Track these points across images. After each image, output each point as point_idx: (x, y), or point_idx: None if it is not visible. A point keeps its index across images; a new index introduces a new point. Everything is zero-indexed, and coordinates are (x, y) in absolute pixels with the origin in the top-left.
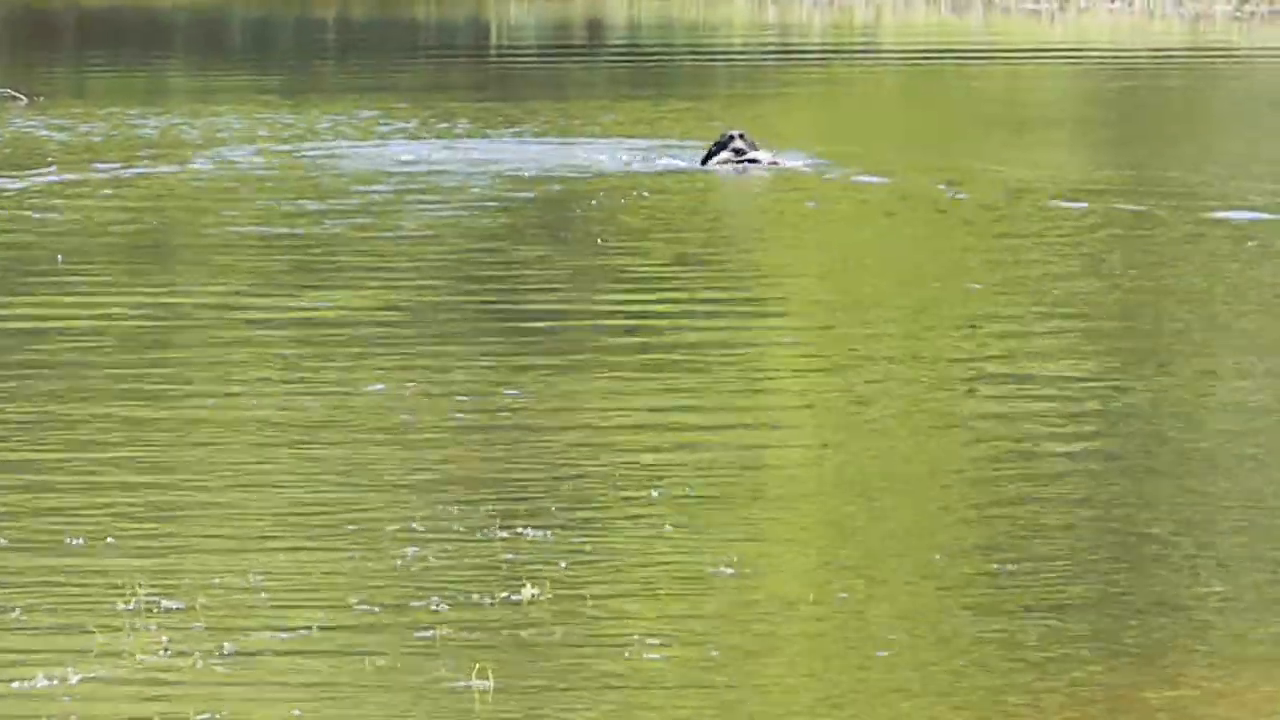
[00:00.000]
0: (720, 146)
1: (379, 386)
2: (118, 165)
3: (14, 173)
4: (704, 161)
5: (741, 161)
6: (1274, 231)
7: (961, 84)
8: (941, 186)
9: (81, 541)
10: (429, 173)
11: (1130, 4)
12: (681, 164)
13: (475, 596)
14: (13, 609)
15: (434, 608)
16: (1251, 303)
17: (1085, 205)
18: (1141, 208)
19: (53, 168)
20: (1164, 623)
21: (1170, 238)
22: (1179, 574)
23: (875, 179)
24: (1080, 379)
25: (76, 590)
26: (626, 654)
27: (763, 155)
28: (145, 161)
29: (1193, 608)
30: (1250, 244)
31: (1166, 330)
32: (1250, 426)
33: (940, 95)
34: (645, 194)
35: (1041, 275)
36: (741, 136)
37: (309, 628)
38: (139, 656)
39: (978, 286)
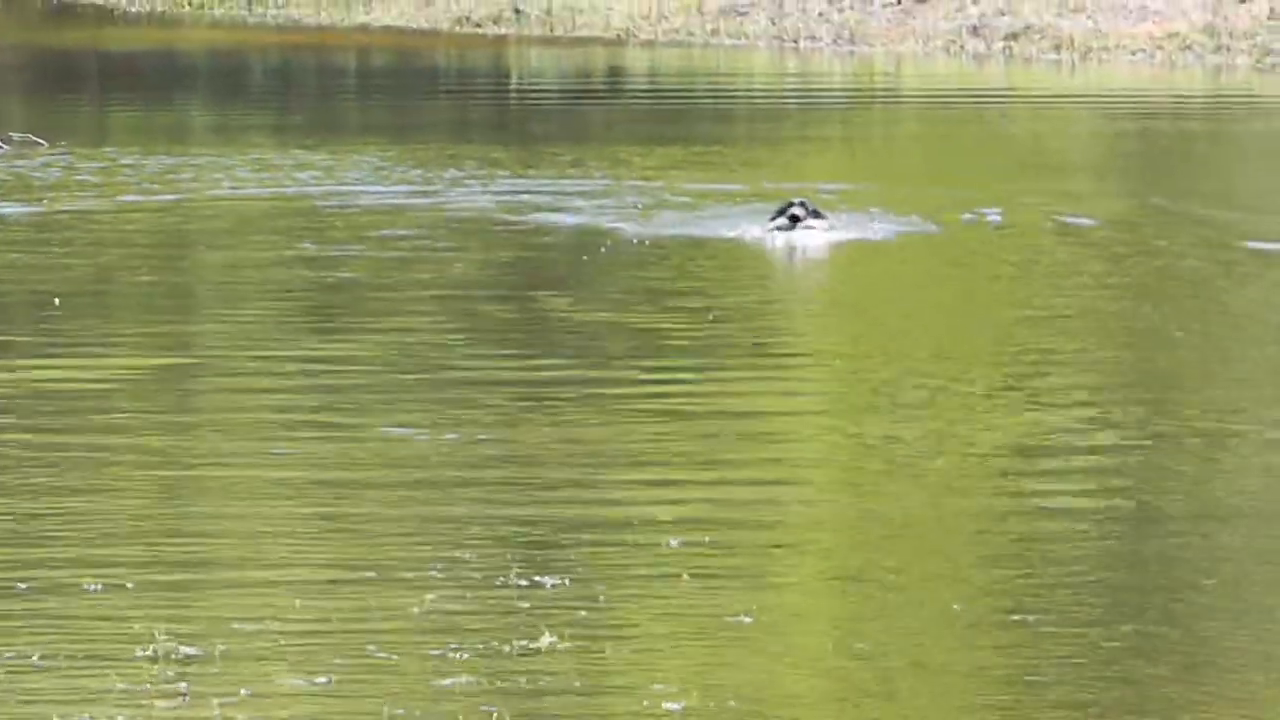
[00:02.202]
0: (779, 212)
1: (396, 433)
2: (127, 203)
3: (18, 209)
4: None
5: (794, 228)
6: None
7: (995, 129)
8: (952, 225)
9: (99, 588)
10: (445, 216)
11: (1151, 55)
12: (728, 225)
13: (493, 644)
14: (32, 654)
15: (452, 655)
16: None
17: (1131, 238)
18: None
19: (55, 205)
20: (1186, 675)
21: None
22: (1205, 627)
23: (905, 227)
24: (1111, 427)
25: (95, 636)
26: (645, 703)
27: (819, 223)
28: (155, 202)
29: (1216, 662)
30: None
31: (1210, 376)
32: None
33: (978, 139)
34: (685, 253)
35: (1084, 309)
36: (802, 204)
37: (327, 675)
38: (158, 703)
39: (1008, 324)
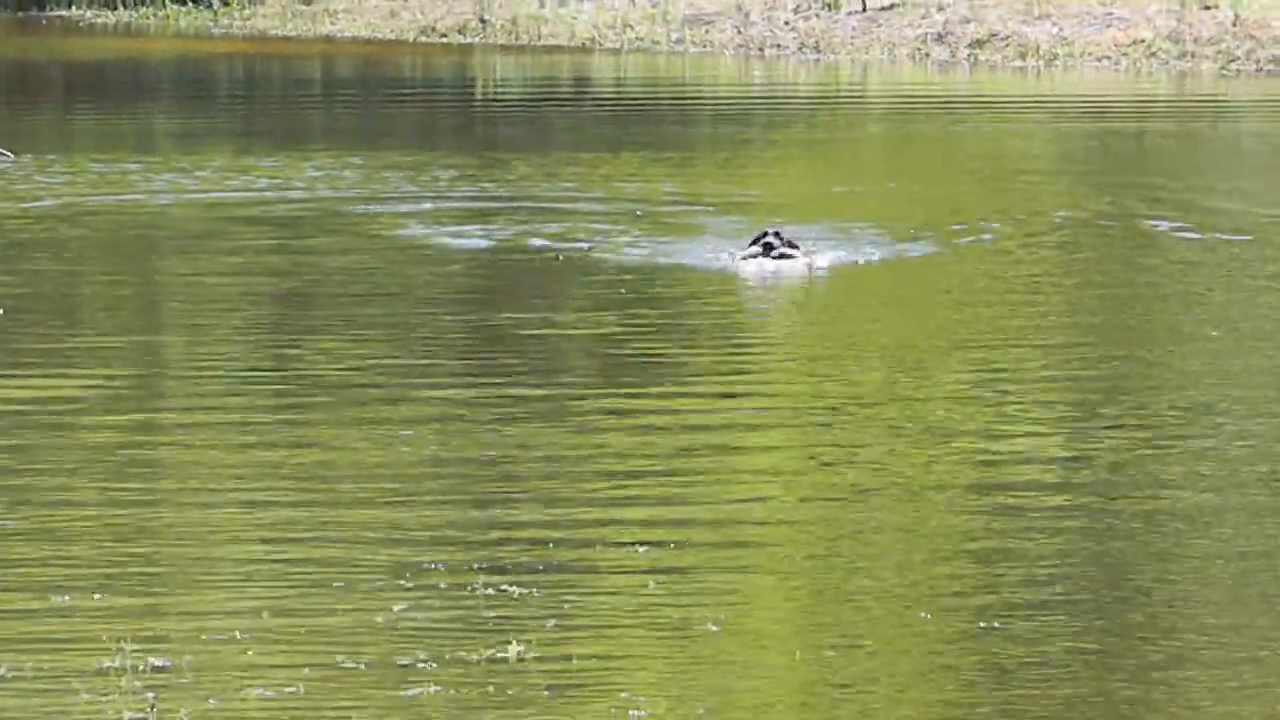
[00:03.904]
0: (753, 242)
1: (362, 444)
2: (83, 210)
3: None
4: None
5: (768, 257)
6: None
7: (962, 137)
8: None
9: (67, 599)
10: (405, 224)
11: (1116, 62)
12: (697, 254)
13: (461, 653)
14: None
15: (420, 665)
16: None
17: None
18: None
19: (9, 213)
20: (1153, 680)
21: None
22: (1169, 631)
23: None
24: (1072, 429)
25: (62, 649)
26: (612, 711)
27: (793, 252)
28: (112, 207)
29: (1186, 668)
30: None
31: (1185, 380)
32: (1244, 477)
33: (946, 148)
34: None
35: (1057, 319)
36: (777, 234)
37: (295, 685)
38: (125, 714)
39: (968, 342)
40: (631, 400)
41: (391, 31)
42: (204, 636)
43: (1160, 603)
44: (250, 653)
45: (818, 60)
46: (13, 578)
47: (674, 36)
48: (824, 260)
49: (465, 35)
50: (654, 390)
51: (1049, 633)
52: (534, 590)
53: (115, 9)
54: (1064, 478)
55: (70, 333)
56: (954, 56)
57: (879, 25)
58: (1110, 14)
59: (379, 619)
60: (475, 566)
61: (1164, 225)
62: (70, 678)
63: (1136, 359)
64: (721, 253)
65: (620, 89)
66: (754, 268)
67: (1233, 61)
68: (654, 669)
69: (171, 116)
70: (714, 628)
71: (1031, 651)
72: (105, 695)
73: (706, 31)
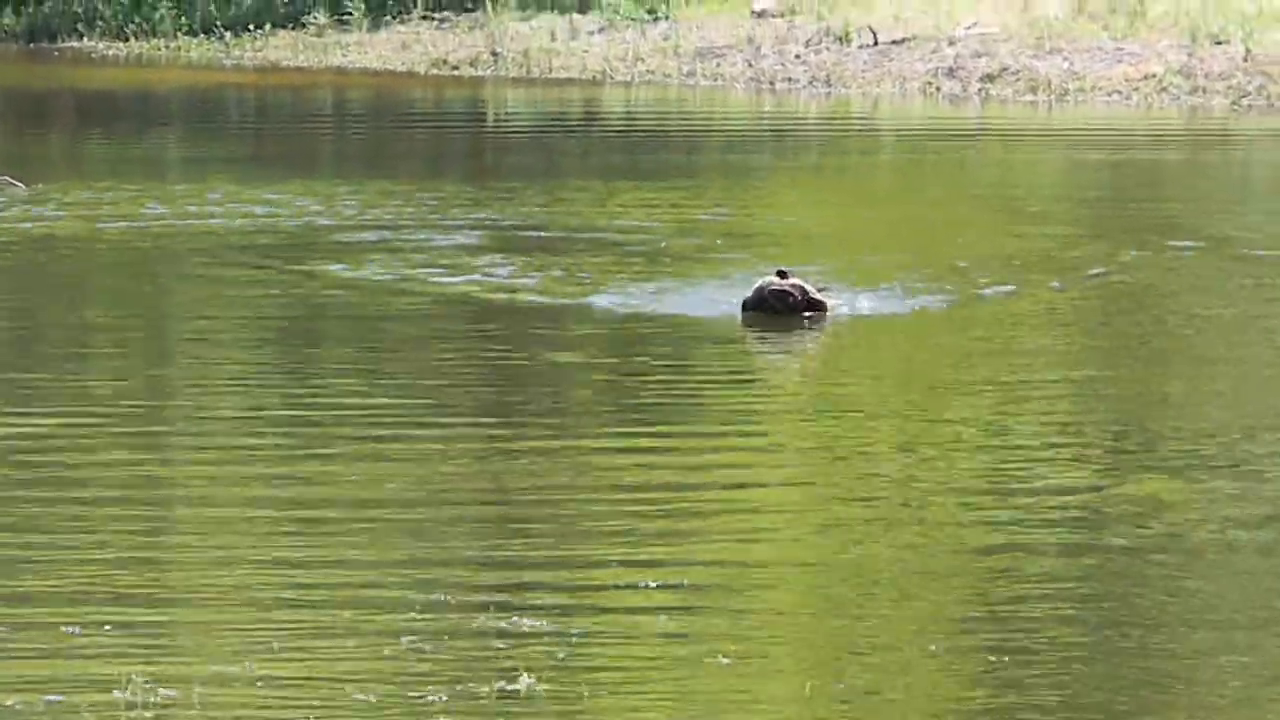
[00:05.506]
0: (754, 292)
1: (369, 477)
2: (93, 241)
3: None
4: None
5: (780, 303)
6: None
7: (973, 171)
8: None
9: (77, 630)
10: (408, 259)
11: (1127, 97)
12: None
13: (472, 686)
14: (8, 698)
15: (431, 698)
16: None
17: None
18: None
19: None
20: (1166, 715)
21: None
22: (1186, 666)
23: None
24: (1091, 469)
25: (72, 679)
26: None
27: (818, 294)
28: (124, 237)
29: (1188, 700)
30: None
31: (1196, 410)
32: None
33: (957, 182)
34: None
35: (1066, 357)
36: (778, 278)
37: (304, 718)
38: None
39: (979, 384)
40: (639, 437)
41: (403, 64)
42: (213, 669)
43: (1180, 633)
44: (259, 685)
45: (829, 94)
46: (21, 611)
47: (685, 69)
48: (832, 302)
49: (477, 68)
50: (661, 429)
51: (1064, 661)
52: (544, 622)
53: (126, 40)
54: (1080, 518)
55: (75, 366)
56: (965, 91)
57: (890, 59)
58: (1121, 49)
59: (388, 652)
60: (485, 600)
61: (1184, 253)
62: (81, 709)
63: (1160, 393)
64: (729, 293)
65: (630, 121)
66: (759, 314)
67: (1244, 97)
68: (664, 703)
69: (182, 145)
70: (725, 661)
71: (1048, 682)
72: None
73: (717, 65)
